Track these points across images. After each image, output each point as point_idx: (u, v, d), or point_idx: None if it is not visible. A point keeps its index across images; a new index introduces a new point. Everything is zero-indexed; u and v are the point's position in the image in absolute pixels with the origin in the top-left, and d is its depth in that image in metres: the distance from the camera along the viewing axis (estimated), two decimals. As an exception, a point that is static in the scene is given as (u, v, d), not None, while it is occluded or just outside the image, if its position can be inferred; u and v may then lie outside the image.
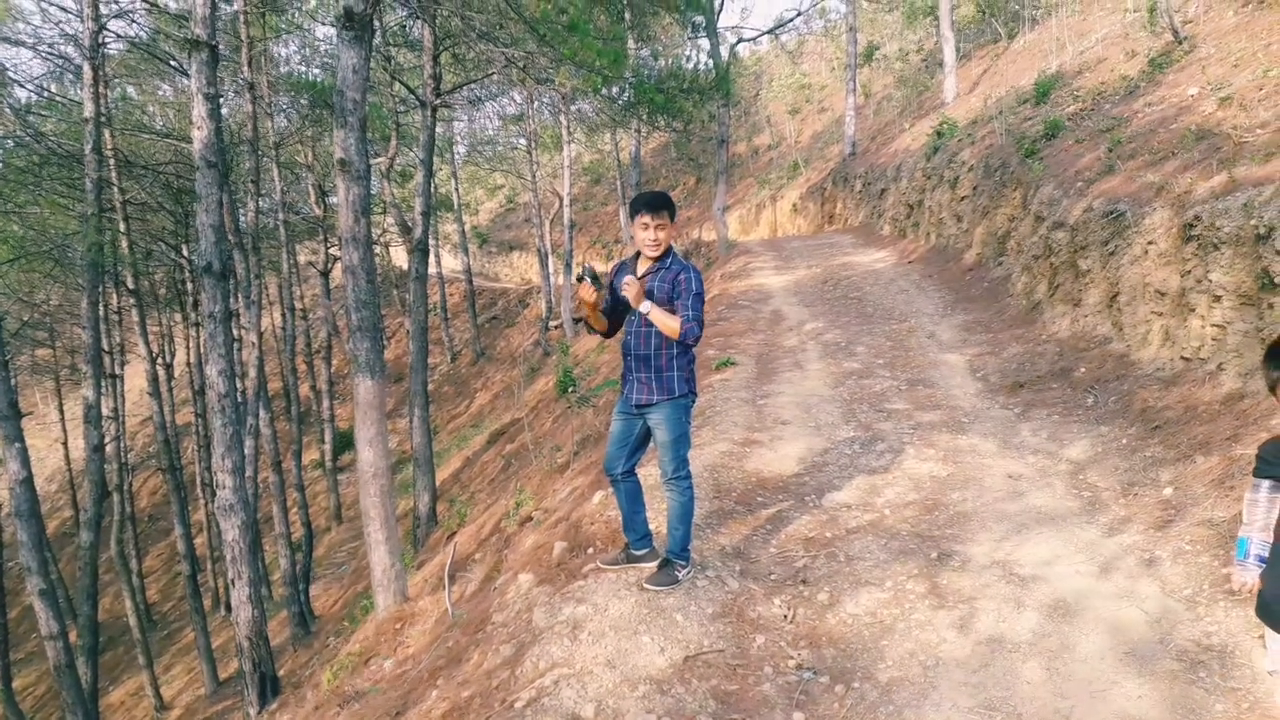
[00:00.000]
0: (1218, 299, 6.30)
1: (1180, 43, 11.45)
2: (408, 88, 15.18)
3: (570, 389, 12.46)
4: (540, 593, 4.70)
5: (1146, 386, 6.69)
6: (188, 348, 22.41)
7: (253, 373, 14.81)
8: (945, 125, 16.75)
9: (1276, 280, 5.59)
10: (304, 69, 20.57)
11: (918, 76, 27.27)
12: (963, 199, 13.84)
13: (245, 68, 14.66)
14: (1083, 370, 7.56)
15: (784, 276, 14.97)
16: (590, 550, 5.14)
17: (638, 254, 4.49)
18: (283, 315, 20.45)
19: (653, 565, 4.63)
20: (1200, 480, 5.13)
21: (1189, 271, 6.74)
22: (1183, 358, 6.64)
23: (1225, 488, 4.92)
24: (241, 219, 14.66)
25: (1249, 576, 3.03)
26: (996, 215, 12.11)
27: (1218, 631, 3.84)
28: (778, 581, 4.67)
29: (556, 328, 26.99)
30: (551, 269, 29.47)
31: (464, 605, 6.26)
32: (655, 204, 4.31)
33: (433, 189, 16.55)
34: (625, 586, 4.45)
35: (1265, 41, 9.63)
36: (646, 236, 4.31)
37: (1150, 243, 7.34)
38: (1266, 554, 2.96)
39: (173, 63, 15.75)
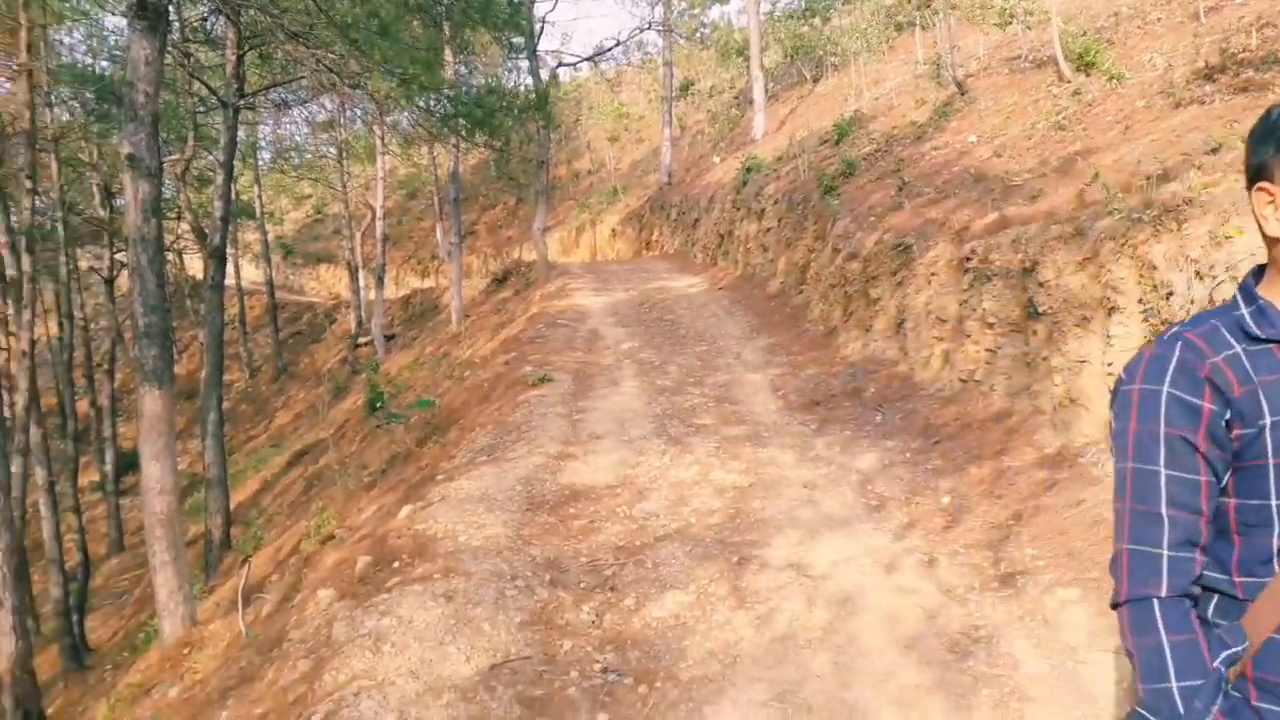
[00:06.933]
0: (990, 326, 6.92)
1: (962, 94, 12.55)
2: (208, 87, 14.32)
3: (379, 406, 12.07)
4: (341, 607, 4.54)
5: (928, 404, 7.25)
6: (-58, 357, 20.12)
7: (23, 385, 13.49)
8: (753, 161, 17.53)
9: (1039, 310, 6.20)
10: (91, 60, 19.09)
11: (729, 113, 28.44)
12: (768, 231, 14.53)
13: (22, 52, 13.46)
14: (872, 390, 8.09)
15: (602, 298, 15.18)
16: (396, 564, 5.00)
17: (1260, 271, 1.71)
18: (59, 324, 18.78)
19: None
20: (974, 489, 5.62)
21: (966, 300, 7.37)
22: (960, 379, 7.25)
23: (994, 495, 5.40)
24: (13, 217, 13.40)
25: None
26: (798, 246, 12.79)
27: (985, 624, 4.20)
28: (587, 589, 4.73)
29: (366, 344, 26.11)
30: (362, 283, 28.51)
31: (259, 626, 5.93)
32: None
33: (233, 194, 15.71)
34: (431, 598, 4.37)
35: (1033, 98, 10.73)
36: None
37: (933, 273, 7.98)
38: None
39: (-66, 41, 14.24)
